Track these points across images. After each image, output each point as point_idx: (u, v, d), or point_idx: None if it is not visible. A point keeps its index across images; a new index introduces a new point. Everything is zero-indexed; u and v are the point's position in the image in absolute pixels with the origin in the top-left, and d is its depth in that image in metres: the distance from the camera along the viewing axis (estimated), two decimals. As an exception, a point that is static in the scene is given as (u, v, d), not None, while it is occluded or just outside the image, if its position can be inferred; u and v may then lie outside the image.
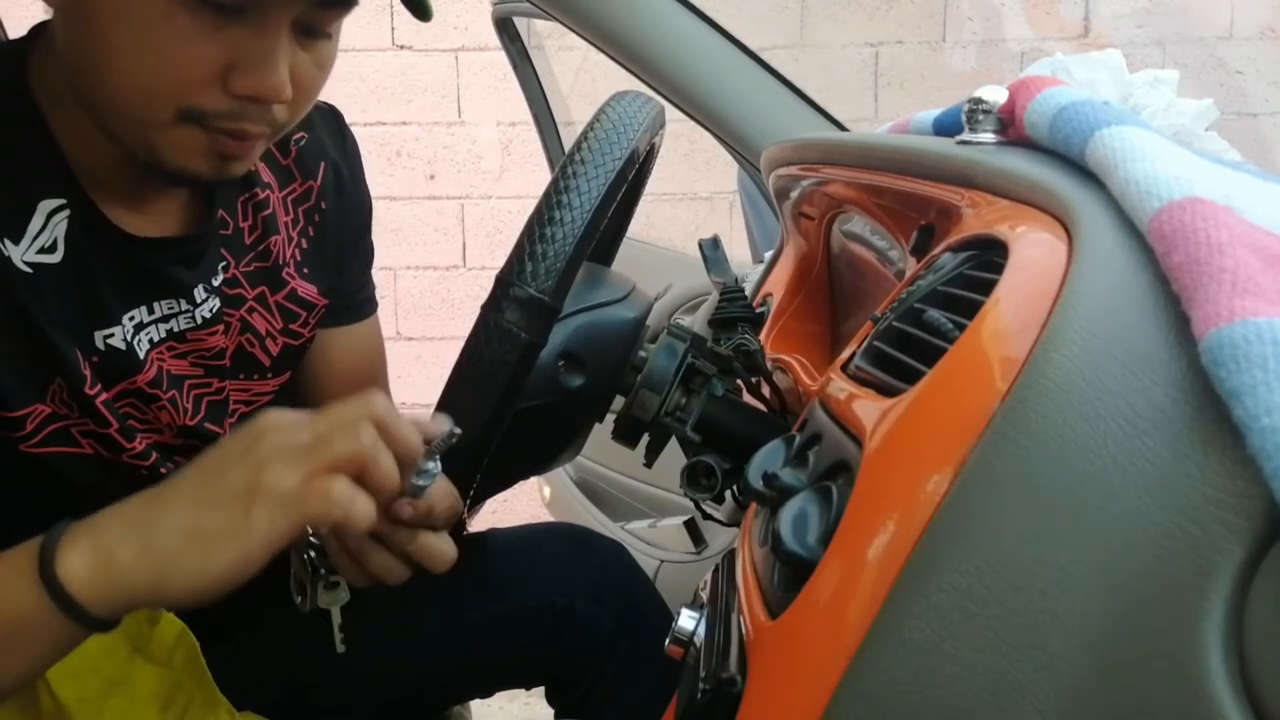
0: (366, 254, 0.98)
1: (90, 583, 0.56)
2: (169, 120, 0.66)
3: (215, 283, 0.82)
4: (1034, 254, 0.47)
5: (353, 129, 0.95)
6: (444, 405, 0.69)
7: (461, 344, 0.68)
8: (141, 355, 0.77)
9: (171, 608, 0.62)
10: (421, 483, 0.63)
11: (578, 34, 1.31)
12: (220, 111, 0.66)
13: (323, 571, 0.78)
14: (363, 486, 0.59)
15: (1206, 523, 0.31)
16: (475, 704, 1.15)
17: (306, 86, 0.70)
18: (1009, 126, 0.67)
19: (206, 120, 0.66)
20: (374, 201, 0.98)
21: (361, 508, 0.58)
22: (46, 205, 0.70)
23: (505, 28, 1.83)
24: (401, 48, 2.71)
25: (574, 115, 1.98)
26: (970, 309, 0.47)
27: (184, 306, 0.79)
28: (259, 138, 0.70)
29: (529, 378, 0.69)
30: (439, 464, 0.63)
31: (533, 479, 1.41)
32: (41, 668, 0.62)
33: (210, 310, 0.81)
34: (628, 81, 1.21)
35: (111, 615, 0.58)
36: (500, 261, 0.68)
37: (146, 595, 0.57)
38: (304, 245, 0.89)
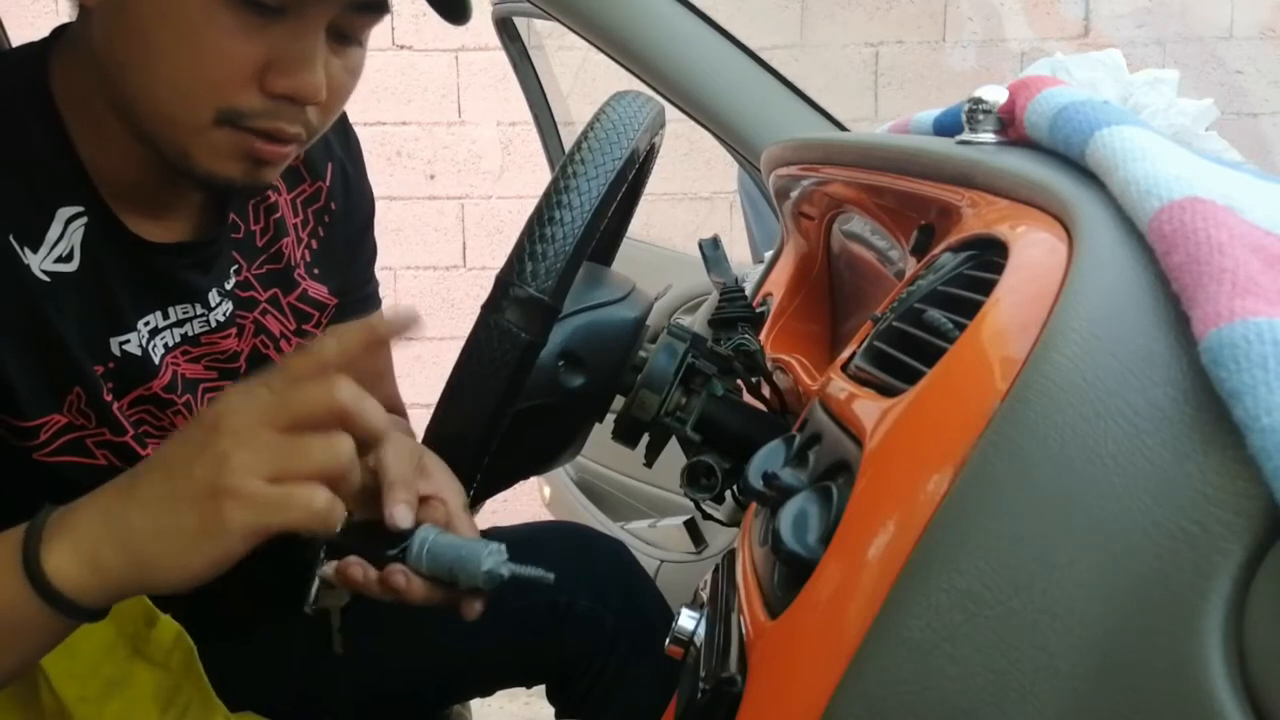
0: (370, 250, 0.98)
1: (78, 581, 0.57)
2: (207, 123, 0.66)
3: (228, 286, 0.82)
4: (1034, 254, 0.47)
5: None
6: (444, 404, 0.69)
7: (461, 344, 0.68)
8: (157, 360, 0.77)
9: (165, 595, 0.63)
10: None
11: (578, 34, 1.31)
12: (256, 111, 0.66)
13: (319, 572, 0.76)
14: (351, 434, 0.57)
15: (1206, 523, 0.31)
16: (475, 703, 1.15)
17: (338, 91, 0.71)
18: (1009, 126, 0.67)
19: (243, 121, 0.66)
20: (374, 201, 0.98)
21: (338, 514, 0.57)
22: (64, 213, 0.70)
23: (505, 28, 1.83)
24: (401, 47, 2.71)
25: (574, 115, 1.98)
26: (970, 309, 0.47)
27: (198, 311, 0.79)
28: (293, 141, 0.70)
29: (529, 378, 0.69)
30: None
31: (533, 479, 1.41)
32: (34, 659, 0.62)
33: (224, 314, 0.81)
34: (628, 81, 1.21)
35: (102, 606, 0.59)
36: (500, 261, 0.68)
37: (135, 590, 0.59)
38: (314, 246, 0.89)
